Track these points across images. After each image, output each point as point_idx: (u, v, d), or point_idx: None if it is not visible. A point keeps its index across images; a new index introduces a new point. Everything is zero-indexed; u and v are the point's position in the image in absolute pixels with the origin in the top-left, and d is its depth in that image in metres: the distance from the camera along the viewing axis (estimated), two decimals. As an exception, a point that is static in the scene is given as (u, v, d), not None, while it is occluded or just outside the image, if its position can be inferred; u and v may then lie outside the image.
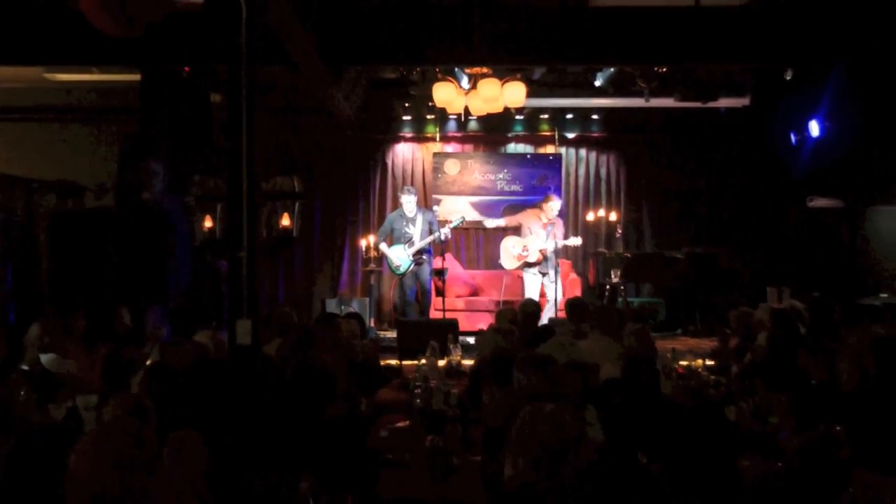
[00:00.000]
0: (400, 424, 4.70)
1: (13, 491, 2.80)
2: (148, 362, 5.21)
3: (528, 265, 10.19)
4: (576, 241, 10.50)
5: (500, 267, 11.63)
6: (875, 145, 9.69)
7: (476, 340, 6.40)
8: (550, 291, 10.03)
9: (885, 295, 9.41)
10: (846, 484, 3.01)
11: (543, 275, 10.16)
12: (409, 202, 10.36)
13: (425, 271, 10.43)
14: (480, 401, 4.48)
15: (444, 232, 10.21)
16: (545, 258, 10.11)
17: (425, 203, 12.15)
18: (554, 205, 10.33)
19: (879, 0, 7.68)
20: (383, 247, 10.44)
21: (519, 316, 6.90)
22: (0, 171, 8.47)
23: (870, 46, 7.96)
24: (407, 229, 10.31)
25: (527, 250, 10.14)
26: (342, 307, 10.78)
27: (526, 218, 10.41)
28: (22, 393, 4.56)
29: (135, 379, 4.53)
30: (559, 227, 10.32)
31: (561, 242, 10.23)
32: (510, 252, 10.33)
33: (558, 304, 9.65)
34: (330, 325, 6.31)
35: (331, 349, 5.50)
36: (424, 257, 10.34)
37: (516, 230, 10.56)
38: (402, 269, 10.33)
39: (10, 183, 8.45)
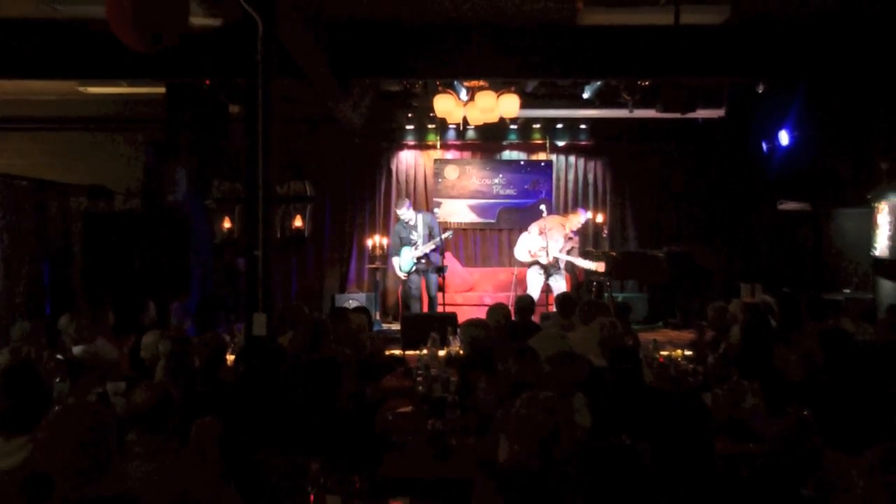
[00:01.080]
0: (403, 409, 4.70)
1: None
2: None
3: (539, 264, 10.19)
4: (587, 265, 10.50)
5: (499, 264, 11.67)
6: (837, 153, 9.74)
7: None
8: (558, 287, 10.03)
9: (848, 290, 9.42)
10: (818, 464, 3.01)
11: (549, 275, 10.16)
12: (404, 214, 10.35)
13: (432, 276, 10.42)
14: (470, 390, 4.48)
15: (443, 238, 10.24)
16: (555, 264, 10.13)
17: (427, 206, 12.17)
18: (577, 219, 10.35)
19: (838, 25, 7.71)
20: (394, 259, 10.45)
21: (514, 309, 6.89)
22: (37, 176, 8.46)
23: (831, 64, 8.00)
24: (412, 235, 10.32)
25: (543, 250, 10.12)
26: (350, 302, 10.79)
27: (551, 223, 10.27)
28: (56, 380, 4.57)
29: (158, 367, 4.52)
30: (576, 243, 10.33)
31: (571, 259, 10.24)
32: (528, 247, 10.26)
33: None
34: (341, 318, 6.31)
35: (340, 340, 5.49)
36: (424, 260, 10.34)
37: (541, 231, 10.39)
38: (405, 269, 10.33)
39: (47, 187, 8.45)
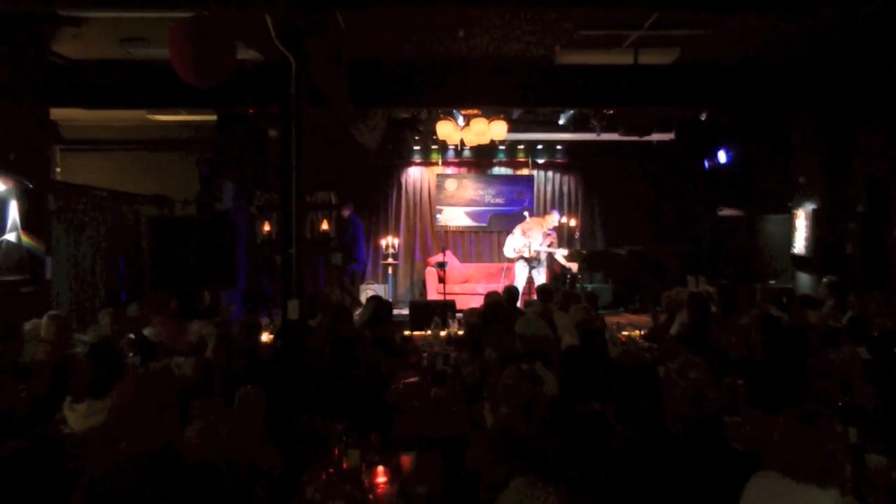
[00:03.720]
0: (411, 380, 4.69)
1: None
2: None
3: (523, 258, 10.27)
4: (562, 252, 10.63)
5: (490, 260, 11.67)
6: (764, 170, 9.80)
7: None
8: (538, 279, 10.08)
9: (773, 282, 9.43)
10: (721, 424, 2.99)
11: (532, 268, 10.23)
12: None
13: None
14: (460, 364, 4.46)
15: None
16: (537, 257, 10.21)
17: (430, 212, 12.23)
18: (552, 219, 10.48)
19: (765, 67, 7.75)
20: None
21: (503, 297, 6.88)
22: (113, 188, 8.47)
23: (759, 98, 8.08)
24: None
25: (527, 247, 10.22)
26: (368, 291, 10.77)
27: (531, 225, 10.45)
28: (130, 356, 4.57)
29: (209, 346, 4.50)
30: (554, 238, 10.41)
31: (550, 250, 10.36)
32: (513, 245, 10.39)
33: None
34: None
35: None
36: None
37: (524, 232, 10.51)
38: None
39: (121, 197, 8.45)
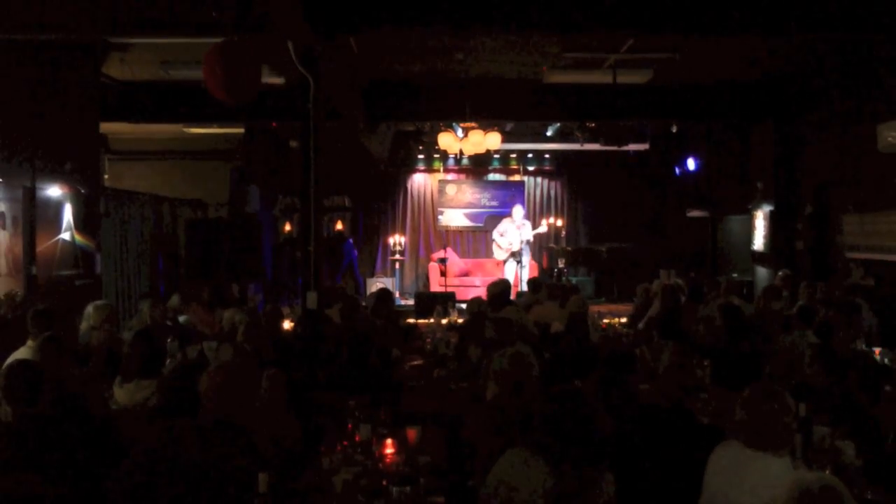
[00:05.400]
0: (416, 362, 4.70)
1: (168, 403, 2.81)
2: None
3: (512, 255, 10.35)
4: (542, 229, 10.71)
5: (486, 256, 11.69)
6: (727, 176, 9.82)
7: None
8: (523, 274, 10.13)
9: (735, 274, 9.44)
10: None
11: (517, 262, 10.27)
12: None
13: None
14: (465, 348, 4.46)
15: None
16: (521, 251, 10.29)
17: (433, 215, 12.21)
18: (518, 211, 10.50)
19: (726, 86, 7.76)
20: None
21: (498, 289, 6.87)
22: (155, 193, 8.48)
23: (723, 112, 8.10)
24: None
25: (511, 244, 10.30)
26: (377, 284, 10.77)
27: (503, 226, 10.51)
28: (169, 340, 4.57)
29: (238, 332, 4.50)
30: (527, 228, 10.45)
31: (533, 233, 10.45)
32: (501, 246, 10.47)
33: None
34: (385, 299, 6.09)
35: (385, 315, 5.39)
36: None
37: (501, 234, 10.57)
38: None
39: (160, 200, 8.47)
